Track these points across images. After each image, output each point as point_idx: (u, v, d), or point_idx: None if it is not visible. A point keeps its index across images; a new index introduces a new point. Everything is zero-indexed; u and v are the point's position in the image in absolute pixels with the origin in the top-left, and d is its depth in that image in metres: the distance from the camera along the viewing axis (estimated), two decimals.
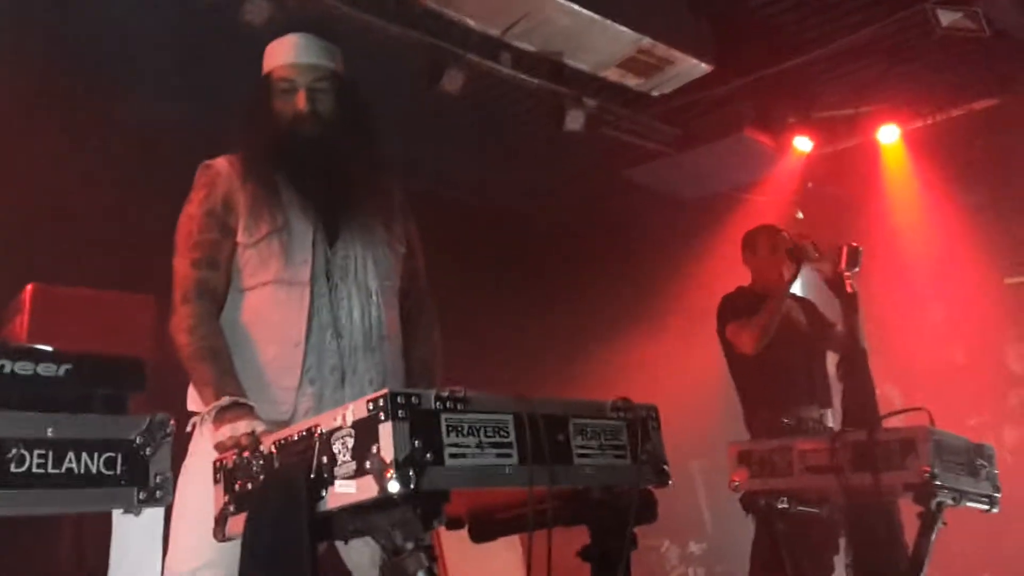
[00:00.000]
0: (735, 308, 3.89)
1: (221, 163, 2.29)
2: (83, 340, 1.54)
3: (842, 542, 3.38)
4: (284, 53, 2.32)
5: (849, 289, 3.35)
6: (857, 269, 3.40)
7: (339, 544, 1.97)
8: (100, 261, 3.94)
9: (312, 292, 2.19)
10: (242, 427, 1.96)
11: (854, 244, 3.51)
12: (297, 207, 2.24)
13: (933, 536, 2.75)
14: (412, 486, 1.52)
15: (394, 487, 1.51)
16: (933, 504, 2.69)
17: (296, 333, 2.16)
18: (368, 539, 1.89)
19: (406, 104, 4.51)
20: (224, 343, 2.15)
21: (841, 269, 3.44)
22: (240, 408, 2.02)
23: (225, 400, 2.03)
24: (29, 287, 3.52)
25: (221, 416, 2.01)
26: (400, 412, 1.56)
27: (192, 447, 2.14)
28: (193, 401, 2.18)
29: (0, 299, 3.70)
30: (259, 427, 1.97)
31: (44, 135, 3.96)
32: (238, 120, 2.38)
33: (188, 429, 2.11)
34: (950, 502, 2.76)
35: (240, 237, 2.21)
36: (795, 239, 3.58)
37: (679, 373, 4.03)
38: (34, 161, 3.92)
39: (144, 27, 3.97)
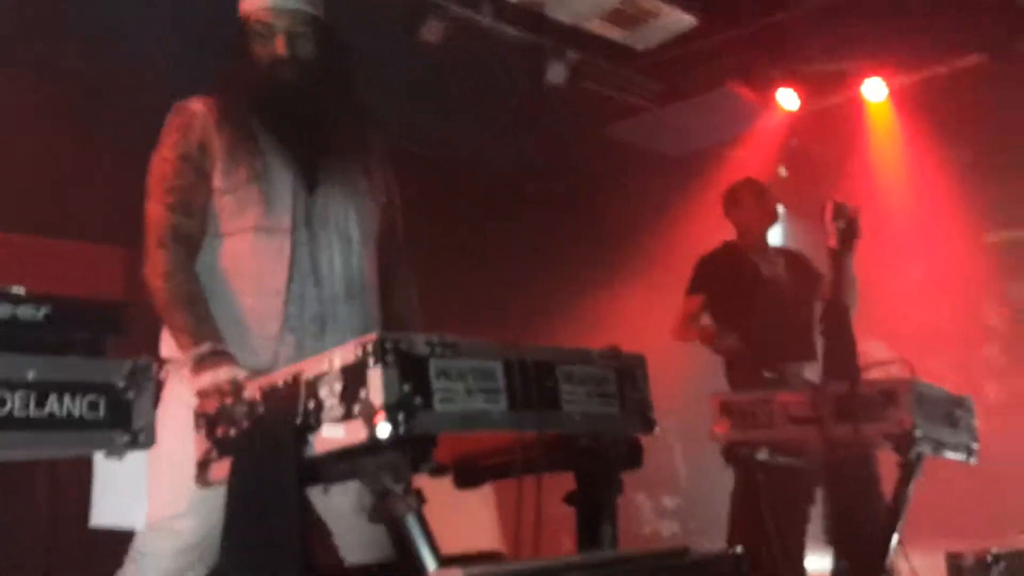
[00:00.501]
0: (696, 277, 3.95)
1: (196, 105, 2.23)
2: (51, 287, 1.51)
3: (819, 493, 3.43)
4: None
5: (832, 243, 3.33)
6: (843, 223, 3.38)
7: (316, 495, 1.96)
8: (63, 210, 3.84)
9: (293, 240, 2.15)
10: (223, 374, 1.94)
11: (839, 200, 3.49)
12: (275, 153, 2.19)
13: (911, 486, 2.78)
14: (402, 430, 1.51)
15: (384, 431, 1.50)
16: (913, 454, 2.72)
17: (276, 282, 2.13)
18: (347, 487, 1.89)
19: (383, 55, 4.43)
20: (200, 289, 2.12)
21: (826, 223, 3.41)
22: (220, 355, 2.00)
23: (205, 347, 2.00)
24: None
25: (201, 363, 1.98)
26: (389, 357, 1.55)
27: (165, 395, 2.09)
28: (167, 347, 2.15)
29: None
30: (240, 374, 1.95)
31: (8, 86, 3.84)
32: (213, 63, 2.32)
33: (161, 376, 2.07)
34: (929, 452, 2.79)
35: (217, 182, 2.16)
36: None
37: (658, 327, 4.04)
38: None
39: None
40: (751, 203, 3.99)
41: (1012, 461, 5.22)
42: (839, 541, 2.84)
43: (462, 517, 3.12)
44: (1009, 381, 6.33)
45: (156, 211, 2.16)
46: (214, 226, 2.18)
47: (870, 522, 2.95)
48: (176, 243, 2.13)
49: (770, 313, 3.79)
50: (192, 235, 2.16)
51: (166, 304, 2.08)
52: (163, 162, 2.19)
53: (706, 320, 3.93)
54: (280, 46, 2.20)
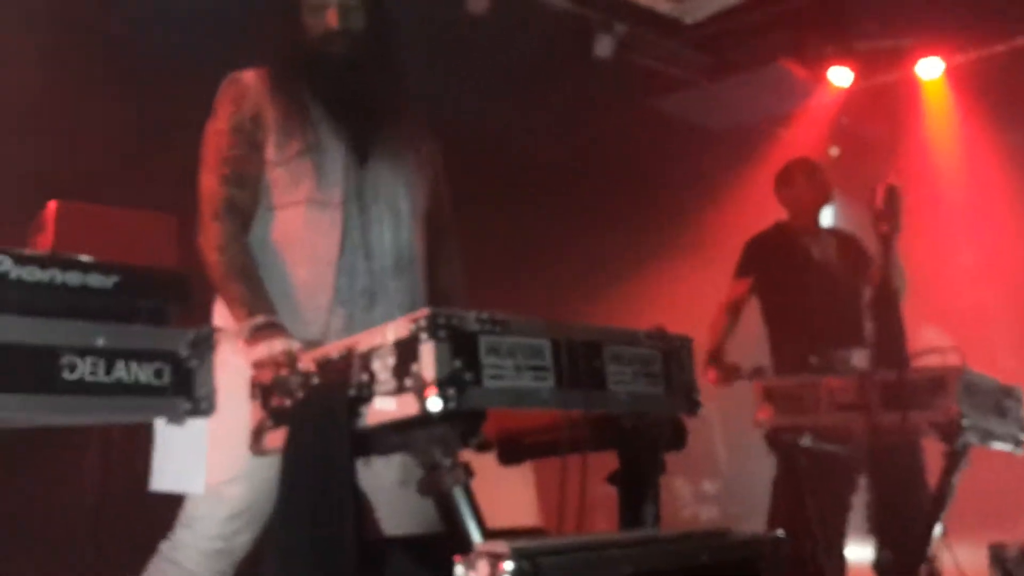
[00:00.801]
0: (745, 259, 3.89)
1: (249, 76, 2.25)
2: (107, 258, 1.55)
3: (862, 481, 3.41)
4: None
5: (883, 228, 3.28)
6: (893, 206, 3.33)
7: (360, 467, 2.00)
8: (119, 179, 3.89)
9: (344, 213, 2.17)
10: (278, 345, 1.98)
11: (890, 182, 3.44)
12: (327, 126, 2.21)
13: (957, 476, 2.76)
14: (452, 404, 1.54)
15: (435, 405, 1.53)
16: (959, 444, 2.70)
17: (328, 254, 2.15)
18: (391, 460, 1.93)
19: (428, 27, 4.42)
20: (254, 262, 2.15)
21: (876, 207, 3.36)
22: (274, 327, 2.04)
23: (260, 319, 2.04)
24: (52, 204, 3.44)
25: (256, 335, 2.02)
26: (441, 332, 1.57)
27: (218, 363, 2.13)
28: (220, 317, 2.19)
29: (13, 216, 3.62)
30: (294, 345, 1.99)
31: (59, 55, 3.89)
32: (265, 35, 2.34)
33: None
34: (976, 442, 2.77)
35: (269, 154, 2.19)
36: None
37: (704, 307, 4.02)
38: (49, 79, 3.85)
39: None
40: (803, 183, 3.93)
41: None
42: (882, 530, 2.83)
43: (502, 494, 3.17)
44: None
45: (210, 183, 2.19)
46: (267, 198, 2.20)
47: (914, 512, 2.93)
48: (230, 215, 2.16)
49: (819, 297, 3.74)
50: (246, 207, 2.19)
51: (221, 276, 2.12)
52: (217, 134, 2.21)
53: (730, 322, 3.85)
54: (333, 19, 2.21)
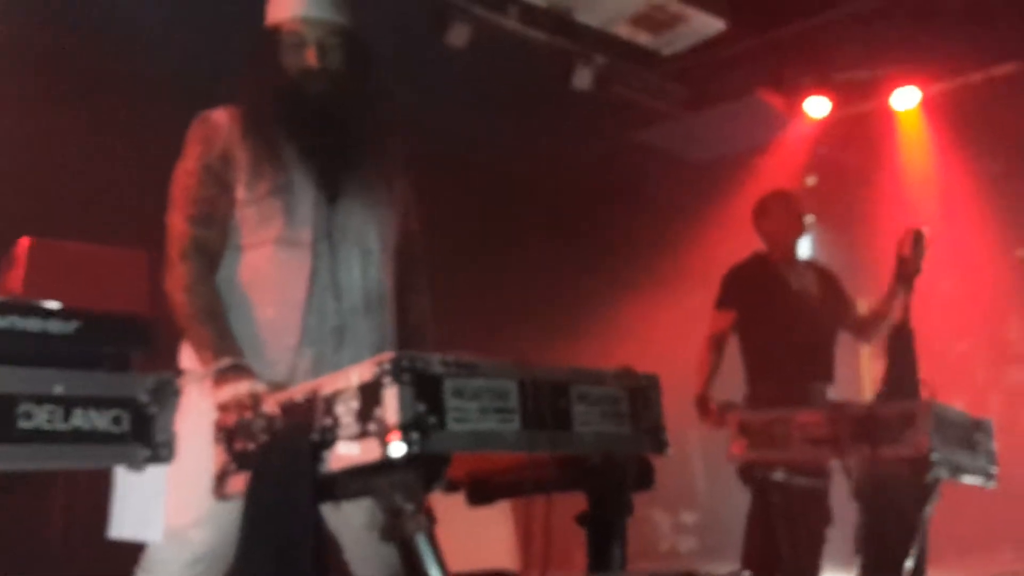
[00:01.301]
0: (726, 291, 3.89)
1: (219, 115, 2.24)
2: (79, 295, 1.53)
3: (839, 514, 3.41)
4: (294, 4, 2.25)
5: (908, 271, 3.44)
6: (919, 251, 3.48)
7: (329, 511, 1.99)
8: (88, 215, 3.86)
9: (314, 253, 2.16)
10: (244, 387, 1.97)
11: (918, 228, 3.54)
12: (299, 165, 2.20)
13: (928, 510, 2.77)
14: (415, 449, 1.54)
15: (397, 450, 1.53)
16: (930, 478, 2.71)
17: (297, 294, 2.14)
18: (361, 503, 1.92)
19: (409, 59, 4.45)
20: (221, 303, 2.14)
21: (903, 253, 3.48)
22: (240, 370, 2.02)
23: (226, 361, 2.03)
24: (23, 241, 3.41)
25: (222, 377, 2.01)
26: (405, 376, 1.57)
27: (183, 404, 2.10)
28: (187, 358, 2.17)
29: None
30: (260, 388, 1.98)
31: (32, 88, 3.88)
32: (240, 72, 2.32)
33: (180, 386, 2.10)
34: (947, 476, 2.78)
35: (239, 193, 2.17)
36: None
37: (684, 339, 4.03)
38: (23, 115, 3.84)
39: None
40: (780, 215, 3.95)
41: None
42: (868, 562, 2.82)
43: (481, 533, 3.15)
44: None
45: (178, 223, 2.18)
46: (235, 238, 2.19)
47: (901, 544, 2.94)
48: (197, 256, 2.15)
49: (798, 330, 3.76)
50: (213, 248, 2.18)
51: (187, 318, 2.11)
52: (186, 173, 2.20)
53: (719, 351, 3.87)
54: (311, 57, 2.20)
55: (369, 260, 2.25)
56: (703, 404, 3.66)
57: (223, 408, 1.93)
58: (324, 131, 2.23)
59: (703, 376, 3.75)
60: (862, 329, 3.92)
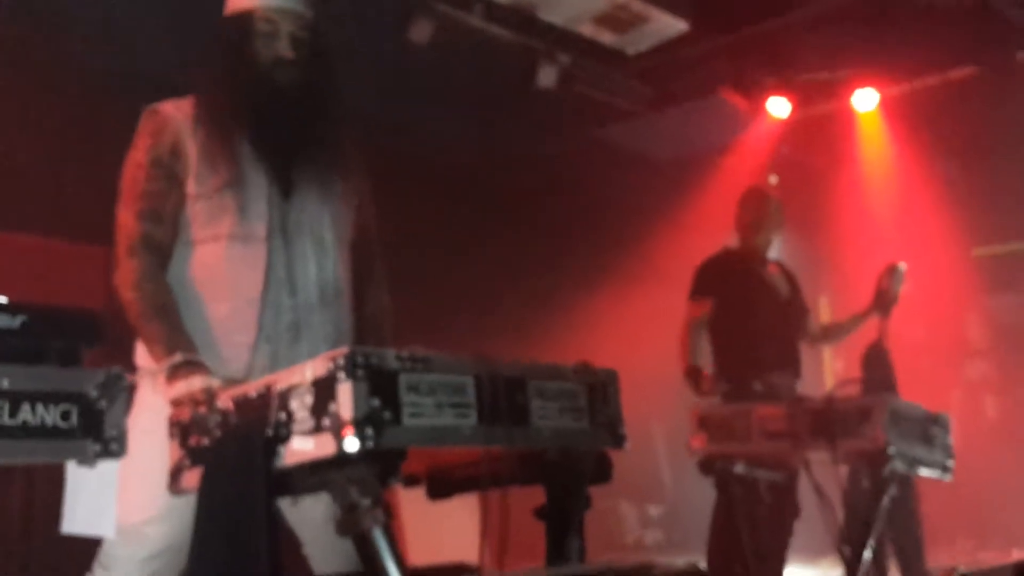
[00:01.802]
0: (700, 281, 3.94)
1: (168, 108, 2.19)
2: (30, 290, 1.50)
3: (808, 506, 3.45)
4: None
5: (891, 300, 3.73)
6: (898, 285, 3.76)
7: (287, 506, 1.97)
8: (44, 210, 3.82)
9: (268, 248, 2.13)
10: (197, 383, 1.94)
11: (896, 265, 3.80)
12: (252, 158, 2.16)
13: (884, 502, 2.81)
14: (370, 444, 1.53)
15: (351, 445, 1.52)
16: (886, 471, 2.74)
17: (251, 290, 2.11)
18: (319, 497, 1.91)
19: (371, 54, 4.42)
20: (173, 299, 2.10)
21: (882, 287, 3.75)
22: (193, 365, 2.00)
23: (179, 357, 1.99)
24: None
25: (175, 372, 1.98)
26: (359, 371, 1.56)
27: (138, 401, 2.08)
28: (142, 355, 2.14)
29: None
30: (214, 383, 1.95)
31: None
32: (202, 60, 2.26)
33: (134, 383, 2.06)
34: (903, 469, 2.82)
35: (190, 188, 2.13)
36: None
37: (648, 334, 4.06)
38: None
39: None
40: (763, 212, 4.03)
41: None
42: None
43: (446, 525, 3.15)
44: (996, 397, 6.37)
45: (126, 219, 2.13)
46: (186, 233, 2.15)
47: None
48: (147, 252, 2.11)
49: (768, 322, 3.84)
50: (163, 243, 2.14)
51: (138, 314, 2.07)
52: (134, 166, 2.16)
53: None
54: (287, 48, 2.17)
55: (324, 254, 2.22)
56: (695, 374, 3.74)
57: (177, 403, 1.91)
58: (283, 124, 2.20)
59: (686, 352, 3.82)
60: (818, 337, 4.10)
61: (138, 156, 2.17)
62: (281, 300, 2.14)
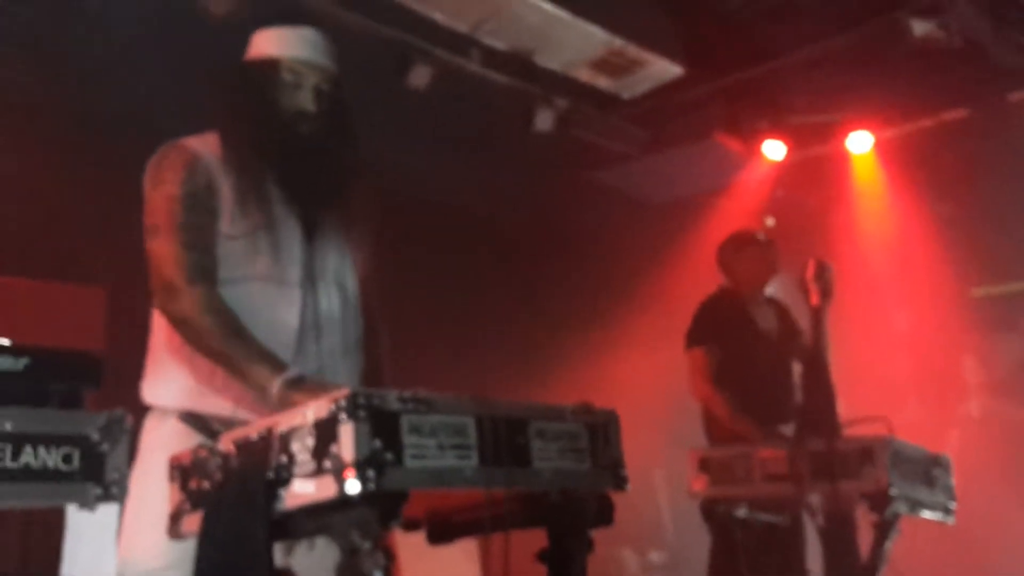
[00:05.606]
0: (700, 326, 3.88)
1: (196, 144, 2.19)
2: (32, 333, 1.50)
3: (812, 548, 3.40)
4: (297, 45, 2.23)
5: (814, 301, 3.37)
6: (823, 281, 3.43)
7: (279, 553, 1.94)
8: (46, 253, 3.81)
9: (301, 292, 2.14)
10: (328, 388, 1.83)
11: (820, 259, 3.54)
12: (282, 202, 2.18)
13: (888, 545, 2.79)
14: (371, 486, 1.52)
15: (353, 487, 1.51)
16: (889, 513, 2.73)
17: (286, 334, 2.10)
18: (313, 543, 1.89)
19: (371, 99, 4.46)
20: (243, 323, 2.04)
21: (806, 280, 3.45)
22: (305, 378, 1.94)
23: (293, 371, 1.94)
24: None
25: (297, 387, 1.90)
26: (361, 412, 1.56)
27: (149, 441, 2.02)
28: (151, 393, 2.09)
29: None
30: (341, 392, 1.87)
31: None
32: (221, 102, 2.27)
33: (141, 422, 2.03)
34: (905, 511, 2.80)
35: (224, 227, 2.12)
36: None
37: (645, 379, 4.04)
38: None
39: (84, 5, 3.89)
40: (758, 254, 4.01)
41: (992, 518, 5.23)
42: None
43: (446, 571, 3.12)
44: (995, 438, 6.34)
45: (170, 249, 2.08)
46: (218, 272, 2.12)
47: None
48: (206, 279, 2.06)
49: (763, 369, 3.79)
50: (214, 273, 2.09)
51: (221, 337, 1.99)
52: (170, 199, 2.11)
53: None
54: (312, 101, 2.19)
55: (346, 301, 2.24)
56: (744, 423, 3.57)
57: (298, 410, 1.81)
58: (308, 171, 2.21)
59: (725, 405, 3.68)
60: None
61: (171, 189, 2.12)
62: (308, 346, 2.13)
